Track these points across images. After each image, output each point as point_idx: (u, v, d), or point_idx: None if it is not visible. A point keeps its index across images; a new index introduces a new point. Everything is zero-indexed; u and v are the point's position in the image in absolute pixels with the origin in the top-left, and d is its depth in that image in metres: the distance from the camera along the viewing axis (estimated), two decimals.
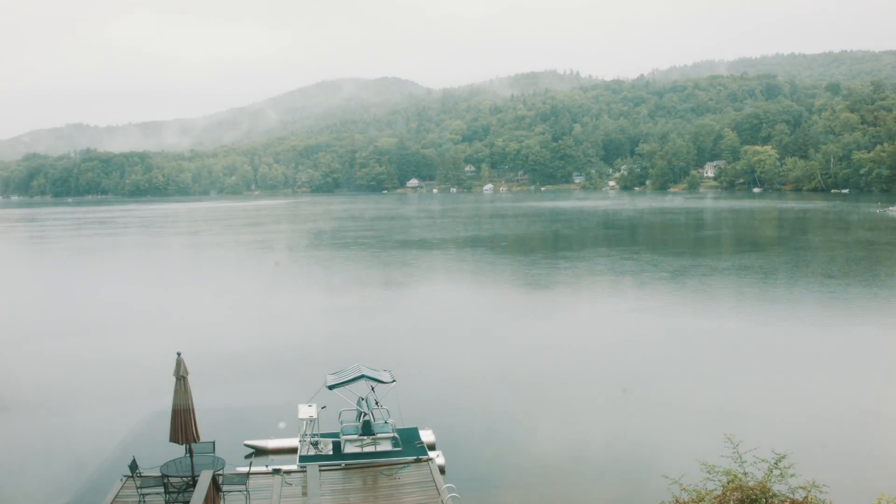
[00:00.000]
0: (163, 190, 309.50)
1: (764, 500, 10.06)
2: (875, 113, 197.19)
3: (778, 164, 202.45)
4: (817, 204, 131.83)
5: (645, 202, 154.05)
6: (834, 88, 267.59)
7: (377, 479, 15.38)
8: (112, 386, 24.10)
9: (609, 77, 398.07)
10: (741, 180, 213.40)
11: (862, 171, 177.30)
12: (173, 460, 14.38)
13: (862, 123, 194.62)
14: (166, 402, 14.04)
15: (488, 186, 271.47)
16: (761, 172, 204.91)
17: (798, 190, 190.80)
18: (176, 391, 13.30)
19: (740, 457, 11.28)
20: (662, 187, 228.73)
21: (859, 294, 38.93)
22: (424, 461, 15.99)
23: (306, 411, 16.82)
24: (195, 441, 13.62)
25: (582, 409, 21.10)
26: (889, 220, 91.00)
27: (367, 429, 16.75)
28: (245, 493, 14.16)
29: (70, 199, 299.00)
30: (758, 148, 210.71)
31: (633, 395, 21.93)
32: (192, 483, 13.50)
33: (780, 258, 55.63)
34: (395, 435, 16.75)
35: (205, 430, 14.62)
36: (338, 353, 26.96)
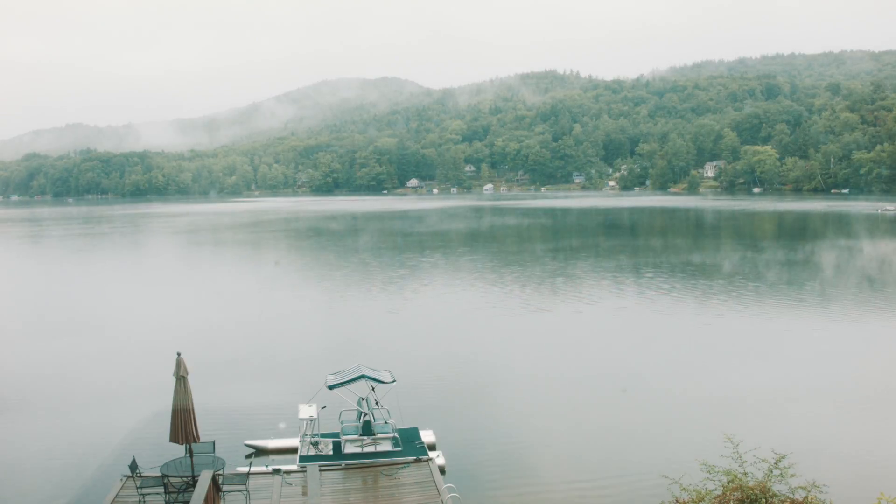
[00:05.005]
0: (163, 190, 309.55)
1: (764, 500, 10.06)
2: (875, 113, 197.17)
3: (778, 164, 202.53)
4: (817, 204, 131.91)
5: (644, 200, 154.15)
6: (834, 88, 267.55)
7: (377, 479, 15.38)
8: (112, 386, 24.09)
9: (609, 77, 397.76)
10: (741, 180, 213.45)
11: (862, 171, 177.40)
12: (173, 460, 14.37)
13: (862, 123, 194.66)
14: (166, 402, 14.05)
15: (488, 186, 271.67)
16: (761, 172, 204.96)
17: (798, 190, 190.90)
18: (176, 391, 13.30)
19: (740, 457, 11.29)
20: (662, 187, 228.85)
21: (860, 294, 38.92)
22: (424, 461, 16.00)
23: (306, 411, 16.82)
24: (195, 441, 13.62)
25: (582, 409, 21.09)
26: (888, 219, 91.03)
27: (367, 429, 16.75)
28: (245, 493, 14.16)
29: (70, 199, 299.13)
30: (758, 148, 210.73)
31: (633, 395, 21.93)
32: (192, 483, 13.50)
33: (781, 258, 55.64)
34: (396, 435, 16.76)
35: (205, 430, 14.64)
36: (338, 353, 26.98)
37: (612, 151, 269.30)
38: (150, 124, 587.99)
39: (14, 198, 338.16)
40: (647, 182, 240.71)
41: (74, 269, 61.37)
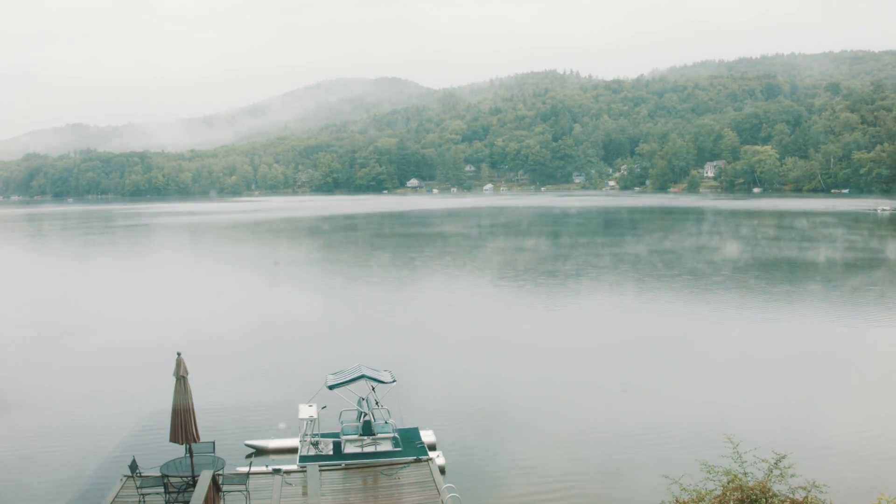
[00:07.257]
0: (163, 190, 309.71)
1: (764, 500, 10.06)
2: (875, 113, 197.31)
3: (778, 164, 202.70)
4: (816, 203, 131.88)
5: (646, 200, 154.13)
6: (834, 88, 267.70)
7: (377, 479, 15.38)
8: (112, 386, 24.08)
9: (609, 77, 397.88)
10: (741, 180, 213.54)
11: (862, 171, 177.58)
12: (173, 460, 14.37)
13: (862, 123, 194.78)
14: (166, 402, 14.04)
15: (488, 186, 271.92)
16: (761, 172, 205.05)
17: (798, 190, 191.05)
18: (176, 391, 13.29)
19: (740, 457, 11.29)
20: (662, 187, 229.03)
21: (860, 294, 38.92)
22: (424, 461, 15.99)
23: (307, 411, 16.82)
24: (195, 441, 13.61)
25: (582, 409, 21.09)
26: (885, 219, 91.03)
27: (367, 429, 16.75)
28: (245, 493, 14.16)
29: (70, 199, 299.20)
30: (758, 148, 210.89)
31: (632, 395, 21.93)
32: (192, 483, 13.50)
33: (780, 257, 55.63)
34: (396, 435, 16.76)
35: (205, 430, 14.63)
36: (338, 353, 26.96)
37: (612, 151, 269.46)
38: (151, 124, 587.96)
39: (14, 198, 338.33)
40: (647, 182, 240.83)
41: (74, 268, 61.36)
